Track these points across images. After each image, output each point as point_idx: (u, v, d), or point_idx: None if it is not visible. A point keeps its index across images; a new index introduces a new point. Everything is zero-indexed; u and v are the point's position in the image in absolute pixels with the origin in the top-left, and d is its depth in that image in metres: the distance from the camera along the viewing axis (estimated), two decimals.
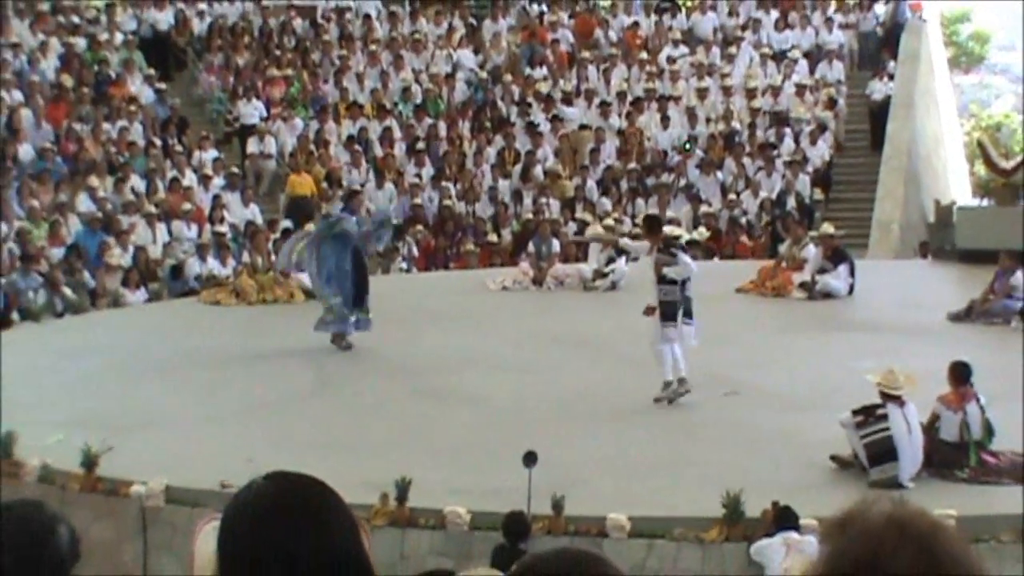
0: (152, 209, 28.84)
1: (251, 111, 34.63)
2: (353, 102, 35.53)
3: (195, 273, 27.29)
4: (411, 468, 13.81)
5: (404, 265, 29.29)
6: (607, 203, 31.93)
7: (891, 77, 34.92)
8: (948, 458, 14.28)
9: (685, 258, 17.39)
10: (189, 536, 3.67)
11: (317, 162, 33.07)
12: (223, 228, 28.83)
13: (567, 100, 35.85)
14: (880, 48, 37.05)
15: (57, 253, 26.31)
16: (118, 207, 28.77)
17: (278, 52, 37.63)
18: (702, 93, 35.29)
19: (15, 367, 20.22)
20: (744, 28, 37.86)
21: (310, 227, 22.99)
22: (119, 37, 36.90)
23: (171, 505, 14.15)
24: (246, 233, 28.50)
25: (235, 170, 32.12)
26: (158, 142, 32.34)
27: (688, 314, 17.16)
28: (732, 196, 31.81)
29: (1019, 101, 72.22)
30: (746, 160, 32.89)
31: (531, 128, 34.60)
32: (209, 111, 35.96)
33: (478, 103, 36.33)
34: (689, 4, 41.58)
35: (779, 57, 36.29)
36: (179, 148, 32.33)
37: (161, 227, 28.45)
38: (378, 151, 33.79)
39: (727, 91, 35.23)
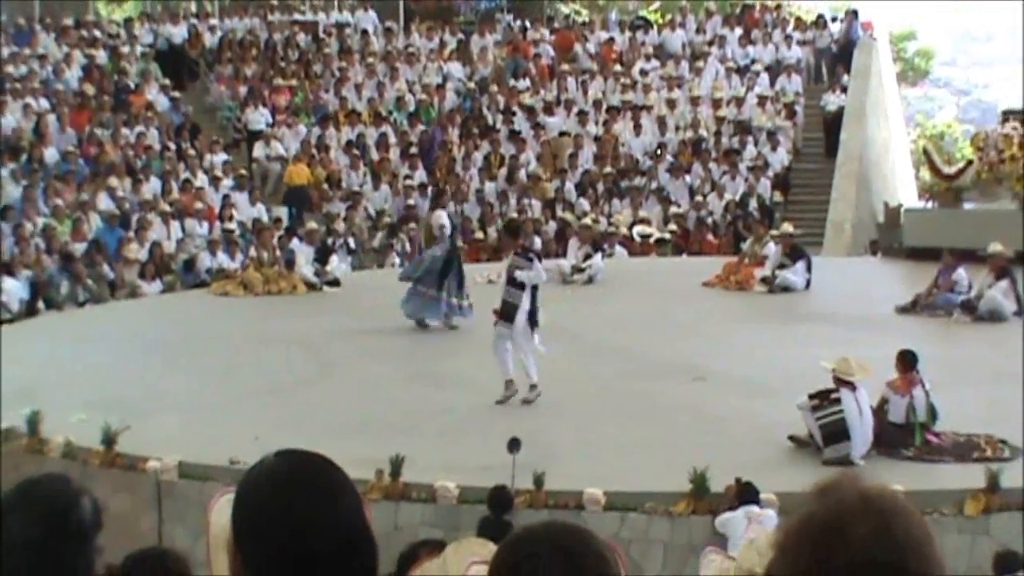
0: (167, 208, 28.82)
1: (258, 118, 34.64)
2: (352, 110, 35.54)
3: (206, 266, 27.27)
4: (405, 446, 13.79)
5: (398, 260, 29.26)
6: (585, 204, 31.91)
7: (844, 90, 34.97)
8: (896, 438, 14.29)
9: (539, 266, 16.97)
10: (201, 508, 3.67)
11: (319, 165, 33.05)
12: (232, 225, 28.80)
13: (548, 109, 35.85)
14: (834, 63, 37.14)
15: (80, 248, 26.26)
16: (136, 206, 28.75)
17: (283, 64, 37.66)
18: (672, 103, 35.33)
19: (41, 352, 20.23)
20: (710, 44, 37.90)
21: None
22: (137, 50, 37.00)
23: (184, 480, 14.13)
24: (253, 230, 28.49)
25: (243, 172, 32.11)
26: (172, 146, 32.37)
27: (534, 322, 16.72)
28: (699, 198, 31.82)
29: (960, 112, 72.38)
30: (712, 165, 32.91)
31: (515, 135, 34.63)
32: (219, 118, 35.95)
33: (466, 112, 36.33)
34: (660, 21, 41.69)
35: (742, 71, 36.33)
36: (192, 152, 32.33)
37: (175, 224, 28.43)
38: (375, 155, 33.78)
39: (695, 101, 35.27)
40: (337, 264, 27.07)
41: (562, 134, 34.58)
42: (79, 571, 3.50)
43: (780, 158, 33.25)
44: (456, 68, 37.84)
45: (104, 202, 28.51)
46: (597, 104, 35.77)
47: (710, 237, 30.57)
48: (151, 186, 29.80)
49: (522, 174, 32.99)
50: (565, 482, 13.35)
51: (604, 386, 17.40)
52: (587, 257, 25.88)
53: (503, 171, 33.25)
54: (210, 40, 38.57)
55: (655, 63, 37.34)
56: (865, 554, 2.61)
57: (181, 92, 36.00)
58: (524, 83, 37.25)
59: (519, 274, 16.55)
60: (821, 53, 37.69)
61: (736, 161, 32.53)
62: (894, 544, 2.62)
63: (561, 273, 25.70)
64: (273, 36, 39.08)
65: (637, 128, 34.37)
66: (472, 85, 37.36)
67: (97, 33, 37.68)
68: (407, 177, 32.97)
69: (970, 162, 27.62)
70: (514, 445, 12.57)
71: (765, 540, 4.22)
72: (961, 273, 22.03)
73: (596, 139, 34.45)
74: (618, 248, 29.22)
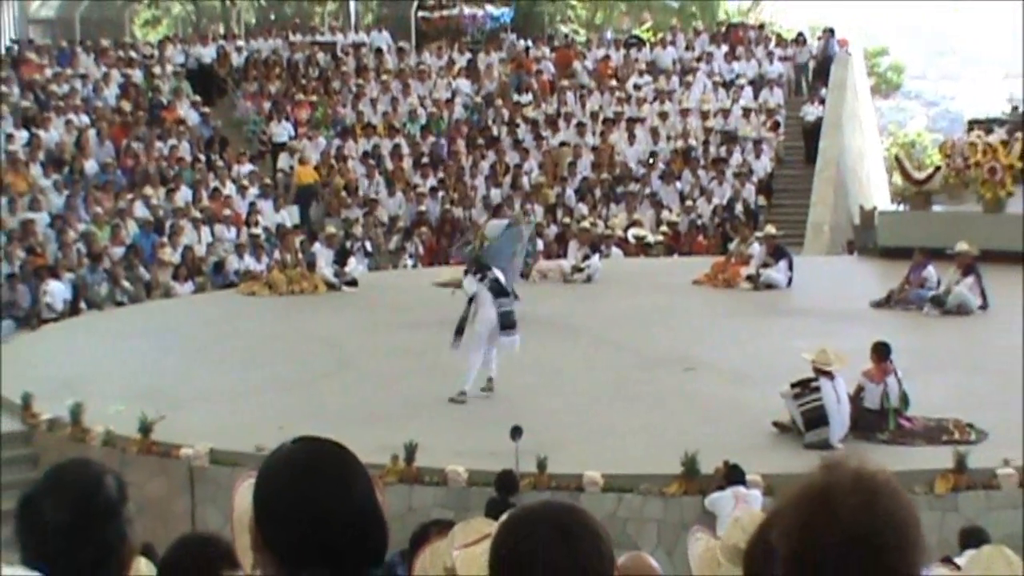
0: (198, 214, 28.82)
1: (281, 131, 34.64)
2: (368, 123, 35.54)
3: (234, 268, 27.25)
4: (418, 433, 13.80)
5: (411, 262, 29.26)
6: (583, 209, 31.91)
7: (822, 102, 34.94)
8: (871, 423, 14.29)
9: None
10: (230, 492, 3.66)
11: (337, 174, 33.06)
12: (258, 230, 28.79)
13: (549, 121, 35.84)
14: (813, 77, 37.12)
15: (118, 252, 26.27)
16: (169, 213, 28.74)
17: (304, 81, 37.68)
18: (663, 115, 35.29)
19: (83, 349, 20.24)
20: (699, 60, 37.87)
21: None
22: (170, 69, 36.96)
23: (215, 465, 14.14)
24: (277, 234, 28.47)
25: (267, 181, 32.11)
26: (202, 158, 32.37)
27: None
28: (689, 202, 31.79)
29: (929, 122, 72.30)
30: (701, 172, 32.88)
31: (519, 145, 34.61)
32: (245, 131, 35.94)
33: (474, 124, 36.31)
34: (652, 40, 41.61)
35: (728, 85, 36.31)
36: (220, 163, 32.32)
37: (205, 229, 28.41)
38: (389, 165, 33.78)
39: (684, 113, 35.24)
40: (355, 265, 27.05)
41: (562, 144, 34.56)
42: (113, 543, 3.51)
43: (764, 165, 33.21)
44: (464, 84, 37.82)
45: (140, 209, 28.51)
46: (594, 116, 35.76)
47: (699, 239, 30.55)
48: (183, 194, 29.79)
49: (525, 181, 32.97)
50: (566, 465, 13.36)
51: (602, 376, 17.39)
52: (586, 258, 25.88)
53: (508, 178, 33.23)
54: (237, 59, 38.58)
55: (648, 78, 37.31)
56: (850, 528, 2.62)
57: (210, 108, 36.02)
58: (527, 97, 37.23)
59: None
60: (801, 68, 37.66)
61: (723, 168, 32.50)
62: (877, 520, 2.63)
63: (562, 272, 25.74)
64: (295, 56, 39.09)
65: (631, 138, 34.34)
66: (479, 99, 37.35)
67: (133, 54, 37.68)
68: (417, 186, 32.97)
69: (938, 168, 27.60)
70: (516, 432, 12.58)
71: (749, 518, 4.22)
72: (931, 270, 22.02)
73: (593, 148, 34.41)
74: (614, 249, 29.21)
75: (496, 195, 32.46)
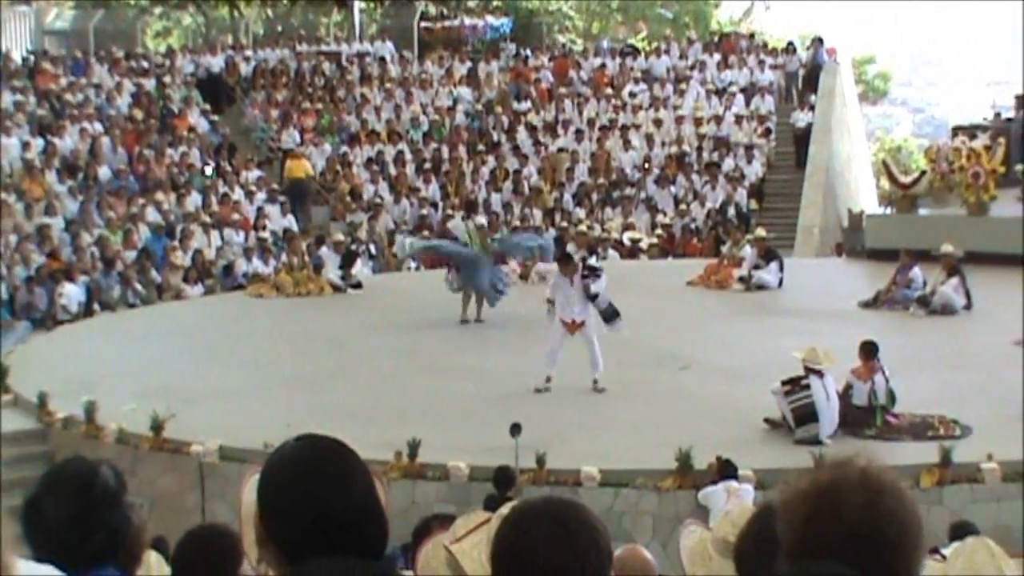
0: (207, 219, 28.84)
1: (288, 138, 34.65)
2: (372, 130, 35.55)
3: (243, 271, 27.26)
4: (421, 430, 13.81)
5: (414, 264, 29.25)
6: (581, 212, 31.91)
7: (812, 108, 34.92)
8: (859, 420, 14.29)
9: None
10: (239, 487, 3.67)
11: (343, 179, 33.06)
12: (265, 234, 28.82)
13: (548, 128, 35.84)
14: (803, 85, 37.09)
15: (130, 255, 26.28)
16: (180, 217, 28.77)
17: (310, 90, 37.71)
18: (658, 122, 35.28)
19: (96, 349, 20.26)
20: (692, 68, 37.87)
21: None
22: (180, 78, 36.96)
23: (224, 462, 14.14)
24: (284, 238, 28.50)
25: (275, 187, 32.11)
26: (212, 164, 32.35)
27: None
28: (683, 206, 31.81)
29: (915, 128, 72.34)
30: (695, 177, 32.86)
31: (518, 151, 34.61)
32: (253, 138, 35.96)
33: (474, 130, 36.31)
34: (647, 49, 41.61)
35: (721, 92, 36.28)
36: (229, 169, 32.33)
37: (215, 233, 28.42)
38: (393, 170, 33.77)
39: (678, 120, 35.24)
40: (360, 268, 27.05)
41: (560, 150, 34.56)
42: (118, 529, 3.53)
43: (755, 170, 33.21)
44: (465, 92, 37.83)
45: (152, 214, 28.51)
46: (591, 123, 35.75)
47: (693, 241, 30.55)
48: (193, 200, 29.81)
49: (524, 186, 32.98)
50: (564, 461, 13.38)
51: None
52: (583, 260, 25.81)
53: (508, 183, 33.23)
54: (245, 69, 38.60)
55: (643, 86, 37.30)
56: (853, 525, 2.62)
57: (220, 116, 36.05)
58: (526, 105, 37.22)
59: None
60: (791, 76, 37.63)
61: (716, 173, 32.48)
62: (880, 519, 2.63)
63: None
64: (301, 65, 39.10)
65: (627, 144, 34.33)
66: (479, 107, 37.35)
67: (145, 64, 37.73)
68: (418, 190, 32.99)
69: (924, 172, 27.59)
70: (515, 429, 12.57)
71: (739, 512, 4.22)
72: (917, 271, 22.01)
73: (591, 154, 34.42)
74: (611, 252, 29.19)
75: (496, 199, 32.46)
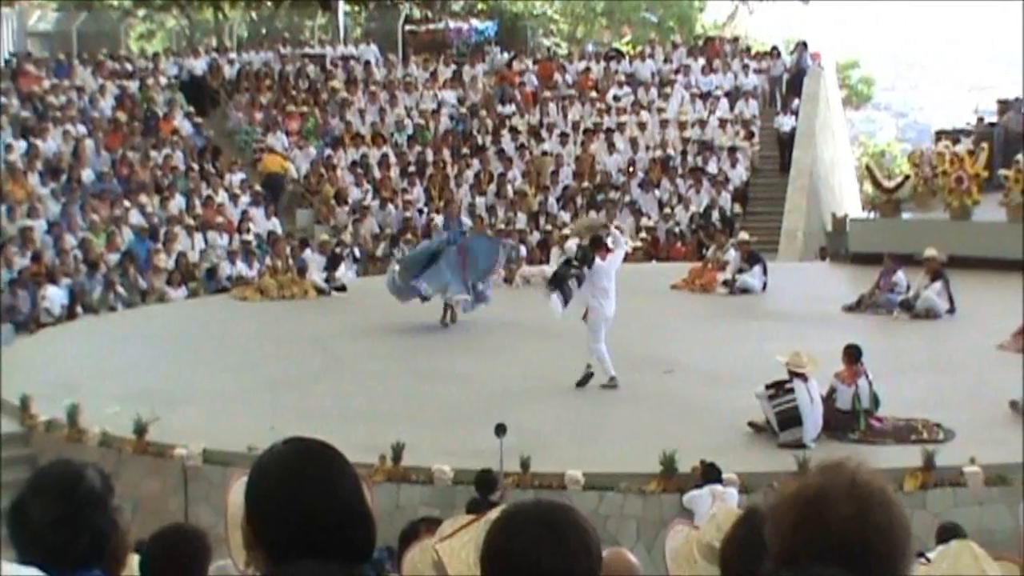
0: (191, 222, 28.77)
1: (275, 141, 34.61)
2: (356, 133, 35.48)
3: (227, 274, 27.22)
4: (405, 434, 13.81)
5: (398, 268, 29.20)
6: (565, 216, 31.90)
7: (796, 113, 34.98)
8: (842, 423, 14.34)
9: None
10: (223, 490, 3.67)
11: (327, 183, 33.03)
12: (249, 237, 28.76)
13: (532, 131, 35.85)
14: (787, 89, 37.14)
15: (113, 258, 26.23)
16: (163, 220, 28.71)
17: (294, 93, 37.63)
18: (642, 125, 35.29)
19: (79, 352, 20.21)
20: (677, 72, 37.88)
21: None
22: (164, 81, 36.90)
23: (208, 465, 14.14)
24: (268, 241, 28.47)
25: (259, 189, 32.06)
26: (196, 167, 32.29)
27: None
28: (667, 210, 31.82)
29: (898, 132, 72.53)
30: (679, 180, 32.88)
31: (502, 154, 34.60)
32: (237, 141, 35.87)
33: (459, 134, 36.29)
34: (631, 52, 41.66)
35: (705, 96, 36.32)
36: (213, 171, 32.27)
37: (199, 236, 28.36)
38: (377, 173, 33.74)
39: (663, 124, 35.23)
40: (344, 271, 27.05)
41: (544, 153, 34.54)
42: (104, 531, 3.52)
43: (739, 174, 33.25)
44: (450, 95, 37.80)
45: (135, 217, 28.45)
46: (575, 126, 35.74)
47: (677, 245, 30.58)
48: (177, 202, 29.75)
49: (509, 190, 32.97)
50: (549, 464, 13.39)
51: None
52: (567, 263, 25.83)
53: (492, 187, 33.23)
54: (229, 72, 38.53)
55: (627, 89, 37.30)
56: (841, 537, 2.62)
57: (203, 118, 35.97)
58: (510, 108, 37.20)
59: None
60: (775, 80, 37.68)
61: (700, 177, 32.50)
62: (868, 531, 2.63)
63: (544, 278, 25.68)
64: (286, 68, 39.04)
65: (611, 148, 34.34)
66: (464, 110, 37.31)
67: (128, 66, 37.63)
68: (404, 191, 32.98)
69: (907, 177, 27.67)
70: (500, 430, 12.58)
71: (724, 515, 4.23)
72: (900, 275, 22.08)
73: (575, 158, 34.43)
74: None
75: (480, 203, 32.45)
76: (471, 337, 20.74)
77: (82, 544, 3.46)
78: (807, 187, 32.48)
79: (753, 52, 39.95)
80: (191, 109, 35.74)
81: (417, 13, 46.76)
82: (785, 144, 34.28)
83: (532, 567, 2.80)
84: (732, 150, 33.75)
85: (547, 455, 13.58)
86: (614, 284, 17.05)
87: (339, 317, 22.92)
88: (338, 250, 28.02)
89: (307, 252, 26.98)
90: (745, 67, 37.70)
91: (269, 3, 49.62)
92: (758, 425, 14.40)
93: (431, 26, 44.99)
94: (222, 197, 30.82)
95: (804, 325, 20.25)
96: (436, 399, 16.55)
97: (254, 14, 50.75)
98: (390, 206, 32.25)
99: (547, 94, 37.71)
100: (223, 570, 5.02)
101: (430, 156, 34.74)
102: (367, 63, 39.62)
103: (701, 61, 38.16)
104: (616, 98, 36.86)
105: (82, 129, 32.34)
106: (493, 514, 3.05)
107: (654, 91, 37.08)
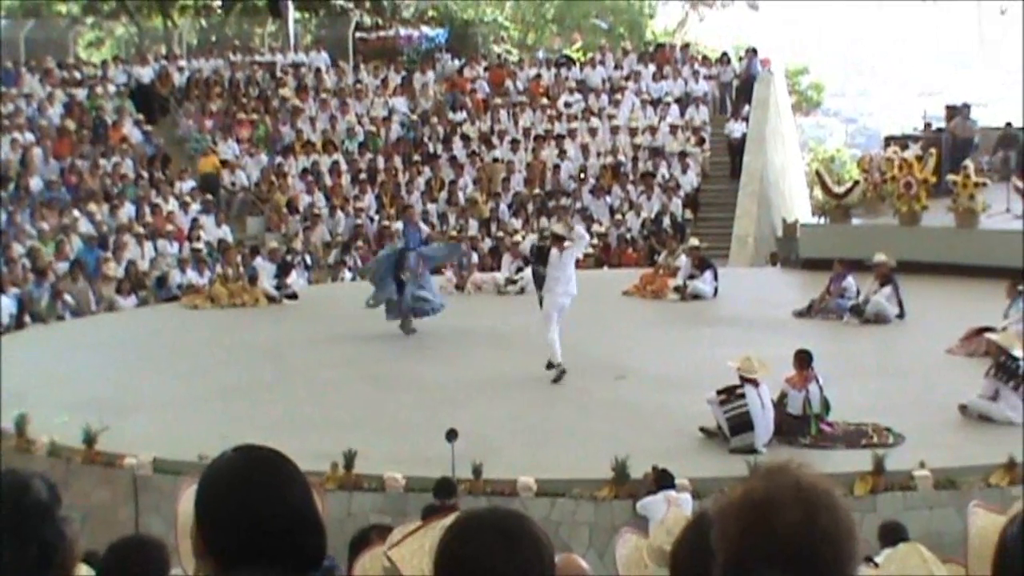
0: (141, 230, 28.64)
1: (227, 149, 34.48)
2: (307, 141, 35.43)
3: (177, 282, 27.10)
4: (356, 441, 13.78)
5: (350, 275, 29.18)
6: (517, 223, 31.93)
7: (746, 119, 35.14)
8: (794, 428, 14.40)
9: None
10: (174, 499, 3.65)
11: (278, 190, 32.94)
12: (200, 245, 28.66)
13: (483, 138, 35.86)
14: (737, 95, 37.31)
15: (62, 267, 26.06)
16: (113, 228, 28.57)
17: (245, 100, 37.51)
18: (593, 132, 35.40)
19: (28, 361, 20.03)
20: (627, 79, 37.99)
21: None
22: (112, 88, 36.69)
23: (158, 474, 14.05)
24: (219, 249, 28.38)
25: (209, 197, 31.93)
26: (145, 175, 32.16)
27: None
28: (619, 216, 31.92)
29: (848, 138, 73.02)
30: (630, 186, 32.99)
31: (454, 161, 34.61)
32: (187, 149, 35.70)
33: (410, 141, 36.27)
34: (582, 59, 41.75)
35: (656, 102, 36.45)
36: (163, 179, 32.13)
37: (148, 244, 28.23)
38: (328, 181, 33.68)
39: (614, 130, 35.36)
40: (295, 279, 26.98)
41: (496, 160, 34.58)
42: (52, 542, 3.49)
43: (690, 180, 33.38)
44: (400, 102, 37.77)
45: (84, 225, 28.31)
46: (527, 133, 35.81)
47: (628, 251, 30.66)
48: (126, 210, 29.62)
49: (460, 197, 32.98)
50: (501, 471, 13.38)
51: (535, 384, 17.41)
52: (519, 270, 25.92)
53: (443, 194, 33.24)
54: (178, 79, 38.37)
55: (578, 96, 37.40)
56: (787, 544, 2.62)
57: (153, 126, 35.82)
58: (461, 115, 37.23)
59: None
60: (725, 86, 37.86)
61: (651, 183, 32.61)
62: (815, 537, 2.63)
63: (496, 285, 25.77)
64: (235, 75, 38.90)
65: (562, 154, 34.41)
66: (415, 117, 37.31)
67: (77, 74, 37.44)
68: (356, 198, 32.94)
69: (857, 183, 27.82)
70: (451, 435, 12.57)
71: (674, 520, 4.24)
72: (850, 281, 22.19)
73: (526, 165, 34.47)
74: None
75: (432, 209, 32.45)
76: (423, 344, 20.71)
77: (29, 555, 3.43)
78: (757, 193, 32.62)
79: (703, 58, 40.11)
80: (140, 117, 35.59)
81: (367, 20, 46.69)
82: (736, 150, 34.42)
83: (486, 573, 2.81)
84: (683, 156, 33.90)
85: (499, 461, 13.57)
86: (569, 275, 17.44)
87: (290, 325, 22.84)
88: (289, 258, 27.97)
89: (258, 260, 26.91)
90: (695, 73, 37.85)
91: (219, 10, 49.40)
92: (709, 430, 14.44)
93: (381, 33, 44.93)
94: (172, 205, 30.69)
95: (755, 330, 20.33)
96: (388, 406, 16.52)
97: (203, 21, 50.51)
98: (341, 214, 32.22)
99: (498, 101, 37.76)
100: None
101: (381, 163, 34.74)
102: (317, 70, 39.54)
103: (651, 68, 38.29)
104: (567, 105, 36.95)
105: (30, 137, 32.13)
106: (447, 520, 3.06)
107: (605, 98, 37.19)
